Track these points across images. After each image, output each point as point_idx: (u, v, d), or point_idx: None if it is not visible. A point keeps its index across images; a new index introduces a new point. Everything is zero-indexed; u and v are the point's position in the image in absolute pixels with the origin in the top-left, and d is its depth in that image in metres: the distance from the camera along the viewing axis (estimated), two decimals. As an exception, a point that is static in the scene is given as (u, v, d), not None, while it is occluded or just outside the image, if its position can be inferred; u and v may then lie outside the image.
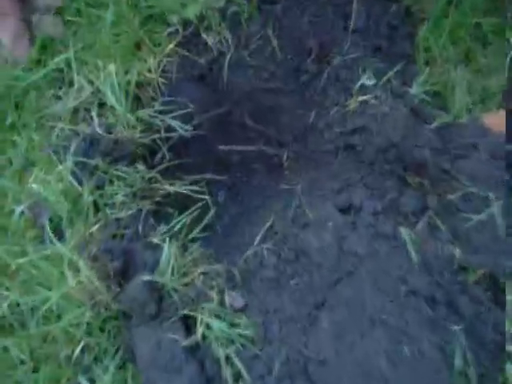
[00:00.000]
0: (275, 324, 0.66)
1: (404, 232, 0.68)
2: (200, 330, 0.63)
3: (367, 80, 0.80)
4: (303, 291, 0.70)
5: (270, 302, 0.69)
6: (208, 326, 0.64)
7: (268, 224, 0.81)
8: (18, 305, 0.69)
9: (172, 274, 0.67)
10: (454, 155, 0.69)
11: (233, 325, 0.65)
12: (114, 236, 0.72)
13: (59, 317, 0.66)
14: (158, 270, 0.67)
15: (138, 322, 0.62)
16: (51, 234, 0.66)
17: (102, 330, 0.67)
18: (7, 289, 0.71)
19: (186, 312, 0.64)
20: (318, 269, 0.71)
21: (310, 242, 0.73)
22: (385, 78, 0.79)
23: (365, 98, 0.79)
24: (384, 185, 0.74)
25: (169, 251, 0.68)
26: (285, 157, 0.87)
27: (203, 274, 0.70)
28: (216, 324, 0.64)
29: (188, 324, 0.65)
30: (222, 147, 0.88)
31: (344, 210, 0.74)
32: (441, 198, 0.67)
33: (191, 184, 0.84)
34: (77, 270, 0.65)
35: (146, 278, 0.63)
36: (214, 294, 0.67)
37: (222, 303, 0.67)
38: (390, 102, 0.78)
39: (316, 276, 0.71)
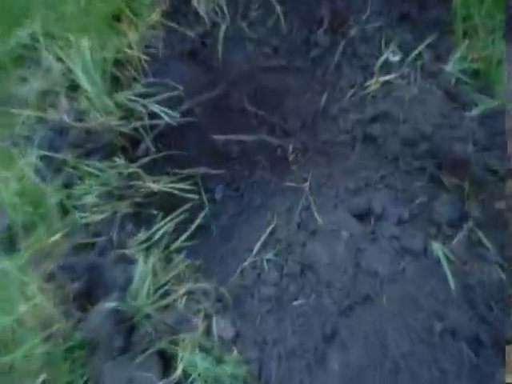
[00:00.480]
0: (273, 360, 0.53)
1: (437, 248, 0.54)
2: (180, 366, 0.51)
3: (392, 55, 0.65)
4: (309, 317, 0.57)
5: (268, 329, 0.56)
6: (190, 362, 0.52)
7: (270, 228, 0.68)
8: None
9: (148, 295, 0.55)
10: (502, 151, 0.54)
11: (221, 361, 0.52)
12: (84, 246, 0.60)
13: (16, 344, 0.54)
14: (130, 291, 0.54)
15: (104, 356, 0.50)
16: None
17: (65, 359, 0.55)
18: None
19: (162, 345, 0.52)
20: (327, 289, 0.58)
21: (319, 254, 0.60)
22: (414, 53, 0.65)
23: (388, 77, 0.65)
24: (411, 186, 0.60)
25: (145, 266, 0.56)
26: (291, 148, 0.74)
27: (187, 293, 0.57)
28: (200, 360, 0.51)
29: (166, 358, 0.53)
30: (217, 137, 0.75)
31: (361, 217, 0.61)
32: (485, 205, 0.53)
33: (181, 181, 0.71)
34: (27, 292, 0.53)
35: (112, 304, 0.50)
36: (198, 321, 0.54)
37: (208, 332, 0.55)
38: (420, 83, 0.64)
39: (325, 298, 0.58)
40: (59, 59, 0.70)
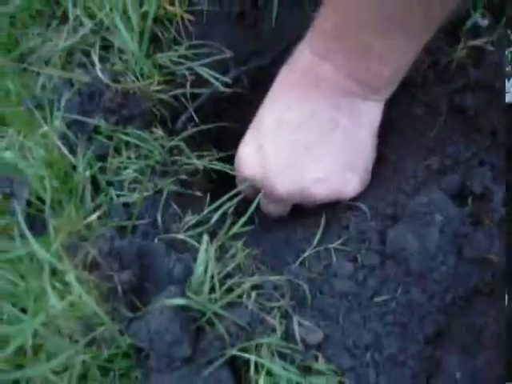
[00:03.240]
0: (371, 369, 0.43)
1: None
2: (262, 379, 0.40)
3: (480, 19, 0.57)
4: (400, 315, 0.47)
5: (355, 331, 0.46)
6: (269, 373, 0.41)
7: (327, 214, 0.58)
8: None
9: (211, 290, 0.44)
10: None
11: (307, 371, 0.42)
12: (122, 230, 0.49)
13: (37, 353, 0.43)
14: (191, 286, 0.43)
15: (162, 366, 0.39)
16: (24, 226, 0.42)
17: (104, 373, 0.43)
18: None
19: (235, 352, 0.41)
20: (419, 282, 0.48)
21: (406, 241, 0.50)
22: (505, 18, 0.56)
23: (478, 42, 0.56)
24: (515, 163, 0.51)
25: (205, 255, 0.45)
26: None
27: (255, 288, 0.47)
28: (282, 370, 0.41)
29: (237, 369, 0.42)
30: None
31: (456, 197, 0.51)
32: None
33: (227, 159, 0.61)
34: (65, 284, 0.42)
35: (176, 300, 0.39)
36: (275, 322, 0.44)
37: (287, 335, 0.44)
38: (514, 49, 0.55)
39: (417, 293, 0.48)
40: (89, 15, 0.60)
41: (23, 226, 0.42)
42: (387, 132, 0.59)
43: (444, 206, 0.49)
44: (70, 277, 0.39)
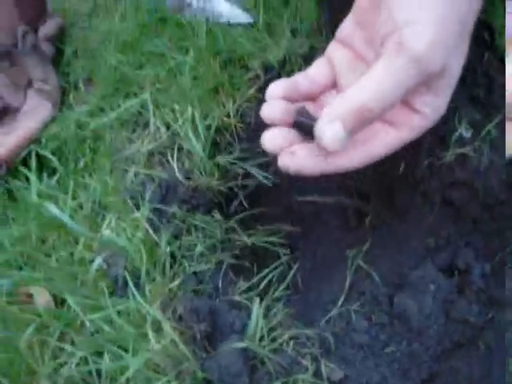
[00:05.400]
0: (379, 400, 0.58)
1: (522, 300, 0.61)
2: (298, 406, 0.56)
3: (464, 131, 0.74)
4: (403, 363, 0.62)
5: (369, 373, 0.61)
6: (303, 401, 0.57)
7: (348, 282, 0.75)
8: (87, 362, 0.63)
9: (261, 338, 0.61)
10: None
11: (331, 400, 0.58)
12: (195, 292, 0.66)
13: None
14: (247, 335, 0.60)
15: (227, 393, 0.55)
16: (133, 288, 0.60)
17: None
18: (72, 343, 0.64)
19: (279, 384, 0.57)
20: (419, 337, 0.64)
21: (408, 305, 0.66)
22: (484, 131, 0.74)
23: (463, 150, 0.73)
24: (491, 245, 0.67)
25: (257, 312, 0.62)
26: (366, 210, 0.81)
27: (293, 338, 0.63)
28: (313, 399, 0.57)
29: (280, 398, 0.58)
30: (298, 198, 0.83)
31: (446, 271, 0.67)
32: None
33: (268, 236, 0.78)
34: (158, 331, 0.58)
35: (240, 344, 0.56)
36: (307, 363, 0.60)
37: (316, 374, 0.60)
38: (490, 156, 0.72)
39: (415, 345, 0.63)
40: (166, 124, 0.80)
41: (131, 287, 0.60)
42: (393, 218, 0.76)
43: (436, 278, 0.66)
44: (166, 326, 0.56)
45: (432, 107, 0.39)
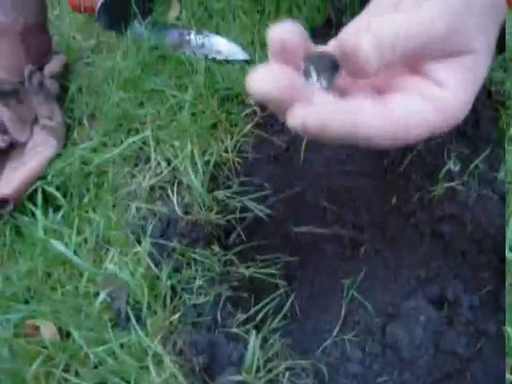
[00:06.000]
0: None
1: (509, 331, 0.63)
2: None
3: (453, 166, 0.77)
4: (395, 392, 0.65)
5: (362, 403, 0.64)
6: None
7: (344, 311, 0.77)
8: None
9: (257, 370, 0.63)
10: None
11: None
12: (194, 324, 0.69)
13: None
14: (244, 367, 0.62)
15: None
16: (135, 323, 0.63)
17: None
18: (77, 374, 0.67)
19: (275, 415, 0.60)
20: (410, 367, 0.66)
21: (400, 335, 0.68)
22: (472, 165, 0.77)
23: (451, 184, 0.76)
24: (479, 277, 0.70)
25: (253, 344, 0.64)
26: (361, 240, 0.84)
27: (288, 369, 0.65)
28: (308, 429, 0.59)
29: (276, 428, 0.60)
30: (297, 229, 0.86)
31: (436, 303, 0.70)
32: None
33: (266, 267, 0.81)
34: (159, 364, 0.61)
35: (237, 378, 0.58)
36: (303, 395, 0.62)
37: (311, 405, 0.62)
38: (478, 189, 0.75)
39: (408, 375, 0.66)
40: (166, 160, 0.83)
41: (133, 321, 0.62)
42: (386, 248, 0.79)
43: (426, 310, 0.68)
44: (166, 359, 0.58)
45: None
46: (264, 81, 0.27)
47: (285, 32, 0.29)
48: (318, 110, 0.28)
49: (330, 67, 0.30)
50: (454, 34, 0.31)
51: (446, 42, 0.31)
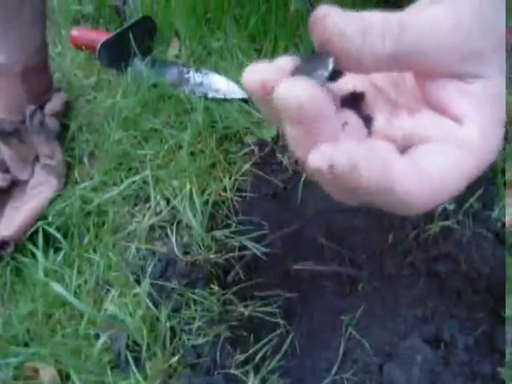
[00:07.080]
0: None
1: (503, 373, 0.64)
2: None
3: (448, 205, 0.79)
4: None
5: None
6: None
7: (342, 349, 0.78)
8: None
9: (258, 413, 0.64)
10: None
11: None
12: (193, 366, 0.69)
13: None
14: (244, 410, 0.63)
15: None
16: (134, 367, 0.63)
17: None
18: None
19: None
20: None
21: (396, 375, 0.69)
22: (466, 204, 0.78)
23: (446, 223, 0.77)
24: (474, 317, 0.70)
25: (253, 387, 0.65)
26: (359, 277, 0.85)
27: (288, 411, 0.66)
28: None
29: None
30: (294, 266, 0.87)
31: (432, 342, 0.71)
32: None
33: (265, 305, 0.81)
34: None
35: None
36: None
37: None
38: (473, 228, 0.76)
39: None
40: (165, 199, 0.84)
41: (131, 365, 0.63)
42: (383, 286, 0.80)
43: (423, 349, 0.69)
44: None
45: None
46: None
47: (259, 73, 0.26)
48: (349, 148, 0.23)
49: (324, 66, 0.26)
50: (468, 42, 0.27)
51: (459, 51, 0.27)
